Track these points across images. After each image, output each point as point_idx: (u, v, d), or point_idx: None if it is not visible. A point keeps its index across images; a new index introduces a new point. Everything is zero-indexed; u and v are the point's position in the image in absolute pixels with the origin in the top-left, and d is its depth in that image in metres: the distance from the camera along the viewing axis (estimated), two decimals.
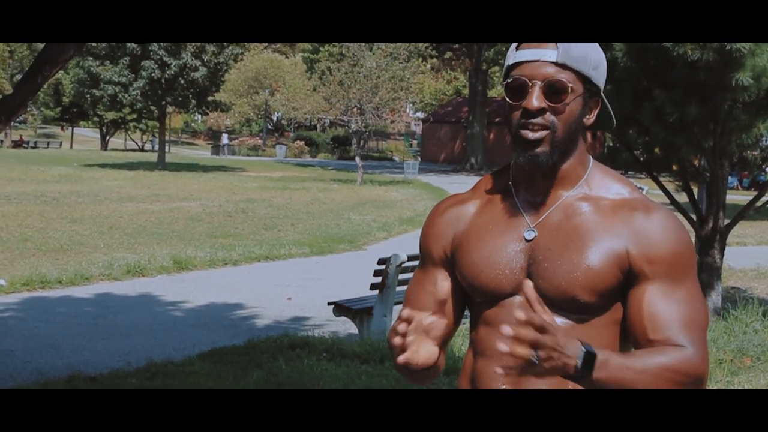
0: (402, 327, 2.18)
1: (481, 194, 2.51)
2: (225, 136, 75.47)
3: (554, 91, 2.26)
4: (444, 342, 2.49)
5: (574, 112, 2.31)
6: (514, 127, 2.30)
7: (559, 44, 2.28)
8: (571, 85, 2.28)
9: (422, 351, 2.22)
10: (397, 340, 2.17)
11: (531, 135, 2.27)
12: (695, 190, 12.44)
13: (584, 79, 2.32)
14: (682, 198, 11.96)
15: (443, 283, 2.47)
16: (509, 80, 2.31)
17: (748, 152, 12.16)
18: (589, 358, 2.07)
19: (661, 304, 2.26)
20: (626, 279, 2.30)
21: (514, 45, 2.35)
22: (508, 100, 2.31)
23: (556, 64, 2.27)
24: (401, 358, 2.18)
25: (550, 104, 2.27)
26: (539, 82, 2.26)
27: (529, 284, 2.06)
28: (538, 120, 2.27)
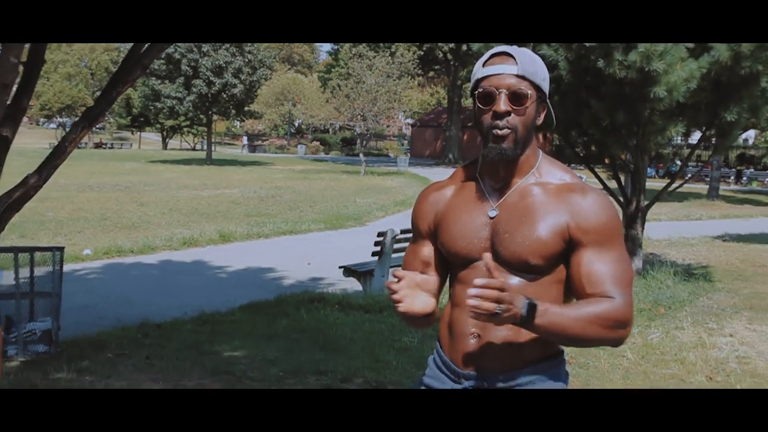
0: (394, 284, 2.25)
1: (455, 182, 2.54)
2: (245, 138, 75.20)
3: (517, 97, 2.29)
4: (436, 294, 2.53)
5: (531, 114, 2.34)
6: (486, 128, 2.33)
7: (517, 59, 2.31)
8: (528, 92, 2.31)
9: (417, 301, 2.30)
10: (393, 295, 2.25)
11: (499, 132, 2.31)
12: (623, 178, 12.48)
13: (536, 88, 2.34)
14: (613, 184, 11.99)
15: (429, 252, 2.54)
16: (480, 90, 2.33)
17: (663, 149, 12.20)
18: (531, 308, 2.12)
19: (595, 265, 2.28)
20: (567, 246, 2.32)
21: (480, 62, 2.37)
22: (479, 105, 2.33)
23: (516, 76, 2.30)
24: (401, 308, 2.27)
25: (514, 107, 2.30)
26: (505, 91, 2.29)
27: (487, 255, 2.15)
28: (504, 122, 2.30)
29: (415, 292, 2.31)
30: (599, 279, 2.27)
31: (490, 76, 2.32)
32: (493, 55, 2.34)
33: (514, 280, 2.34)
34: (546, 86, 2.39)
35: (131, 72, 5.46)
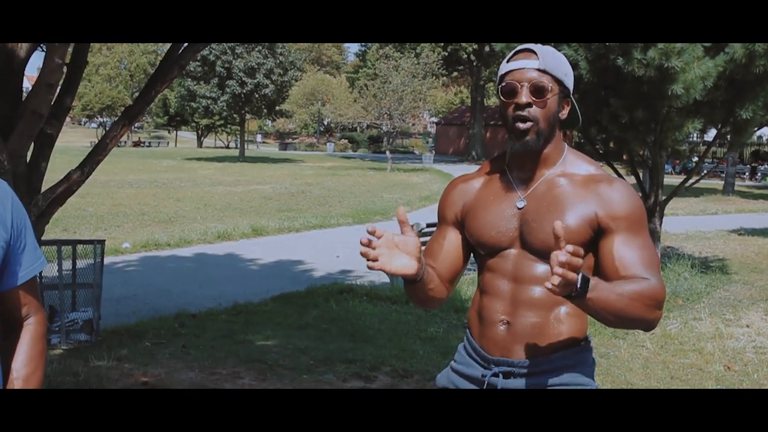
0: (366, 238, 2.15)
1: (484, 175, 2.53)
2: (259, 136, 75.40)
3: (538, 90, 2.28)
4: (451, 280, 2.52)
5: (552, 108, 2.32)
6: (510, 121, 2.32)
7: (539, 54, 2.30)
8: (550, 85, 2.30)
9: (395, 261, 2.18)
10: (362, 250, 2.13)
11: (522, 125, 2.29)
12: (641, 173, 12.40)
13: (558, 82, 2.33)
14: (631, 180, 11.92)
15: (451, 238, 2.52)
16: (503, 84, 2.33)
17: (680, 146, 12.12)
18: (585, 281, 2.05)
19: (626, 250, 2.26)
20: (596, 234, 2.30)
21: (505, 60, 2.36)
22: (503, 99, 2.33)
23: (538, 70, 2.29)
24: (368, 264, 2.13)
25: (535, 99, 2.28)
26: (526, 84, 2.28)
27: (557, 224, 2.00)
28: (526, 113, 2.28)
29: (393, 252, 2.18)
30: (632, 263, 2.25)
31: (513, 70, 2.32)
32: (516, 52, 2.34)
33: (542, 269, 2.32)
34: (569, 82, 2.37)
35: (169, 72, 5.48)
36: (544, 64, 2.30)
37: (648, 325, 2.23)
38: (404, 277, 2.24)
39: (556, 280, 1.93)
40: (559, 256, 1.93)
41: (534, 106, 2.29)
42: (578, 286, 2.01)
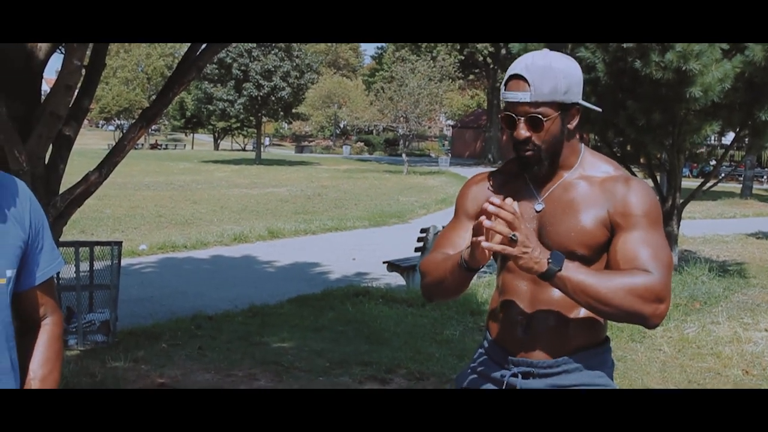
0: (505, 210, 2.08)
1: (502, 175, 2.52)
2: (267, 139, 75.61)
3: (534, 122, 2.27)
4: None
5: (554, 131, 2.30)
6: (514, 146, 2.33)
7: (530, 82, 2.24)
8: (546, 117, 2.26)
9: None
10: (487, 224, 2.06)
11: (523, 154, 2.31)
12: (658, 177, 12.35)
13: (557, 105, 2.28)
14: (649, 183, 11.85)
15: (469, 229, 2.46)
16: (502, 114, 2.33)
17: (698, 149, 12.07)
18: (558, 258, 2.08)
19: (634, 244, 2.24)
20: (611, 234, 2.29)
21: (503, 85, 2.32)
22: (505, 127, 2.33)
23: (530, 103, 2.25)
24: (486, 245, 2.08)
25: (533, 132, 2.28)
26: (522, 118, 2.27)
27: (508, 200, 2.06)
28: (527, 145, 2.29)
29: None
30: (634, 256, 2.22)
31: (509, 102, 2.30)
32: (510, 78, 2.29)
33: None
34: (572, 95, 2.30)
35: (186, 74, 5.49)
36: (535, 94, 2.24)
37: (645, 320, 2.18)
38: (477, 264, 2.20)
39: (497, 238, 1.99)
40: (486, 205, 2.00)
41: (533, 138, 2.29)
42: (549, 260, 2.07)
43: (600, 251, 2.31)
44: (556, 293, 2.30)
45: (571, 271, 2.11)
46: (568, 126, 2.34)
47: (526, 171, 2.35)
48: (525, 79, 2.25)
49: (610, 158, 2.47)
